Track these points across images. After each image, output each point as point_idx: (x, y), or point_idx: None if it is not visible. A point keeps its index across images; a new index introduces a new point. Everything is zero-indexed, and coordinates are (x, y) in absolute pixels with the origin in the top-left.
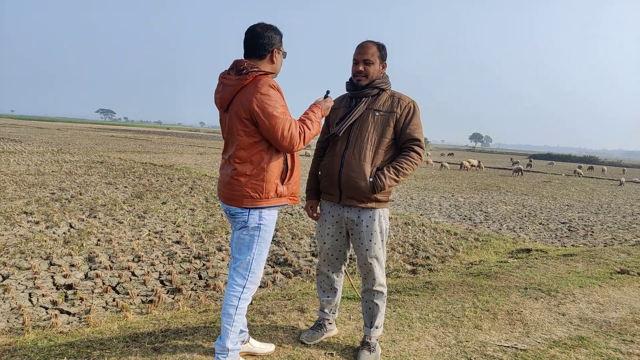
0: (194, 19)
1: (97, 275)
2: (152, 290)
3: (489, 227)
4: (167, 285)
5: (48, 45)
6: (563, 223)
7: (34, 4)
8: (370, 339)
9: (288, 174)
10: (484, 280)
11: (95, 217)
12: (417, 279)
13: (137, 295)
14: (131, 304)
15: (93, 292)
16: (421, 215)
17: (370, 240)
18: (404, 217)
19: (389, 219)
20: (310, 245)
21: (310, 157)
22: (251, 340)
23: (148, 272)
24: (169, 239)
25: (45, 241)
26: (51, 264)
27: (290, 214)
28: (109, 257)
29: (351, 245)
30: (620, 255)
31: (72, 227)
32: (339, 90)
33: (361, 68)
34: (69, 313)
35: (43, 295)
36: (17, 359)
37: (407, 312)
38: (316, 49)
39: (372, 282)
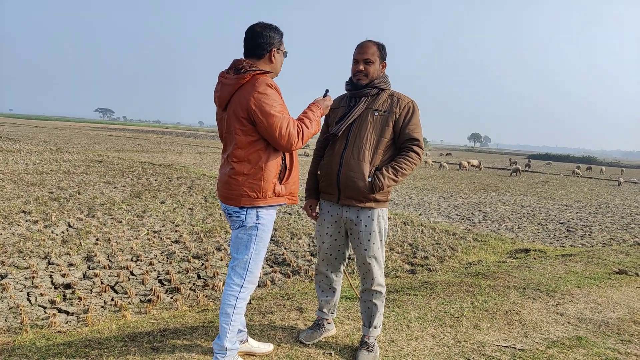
0: (193, 19)
1: (96, 275)
2: (151, 290)
3: (487, 227)
4: (165, 285)
5: (47, 45)
6: (561, 223)
7: (33, 4)
8: (368, 339)
9: (286, 174)
10: (482, 280)
11: (93, 216)
12: (416, 279)
13: (136, 294)
14: (130, 303)
15: (91, 291)
16: (420, 215)
17: (369, 240)
18: (403, 217)
19: (388, 219)
20: (309, 244)
21: (309, 156)
22: (250, 339)
23: (146, 271)
24: (167, 238)
25: (44, 240)
26: (49, 263)
27: (289, 214)
28: (108, 257)
29: (350, 245)
30: (619, 256)
31: (71, 227)
32: (339, 89)
33: (361, 67)
34: (67, 312)
35: (41, 295)
36: (15, 358)
37: (405, 312)
38: (316, 49)
39: (370, 281)
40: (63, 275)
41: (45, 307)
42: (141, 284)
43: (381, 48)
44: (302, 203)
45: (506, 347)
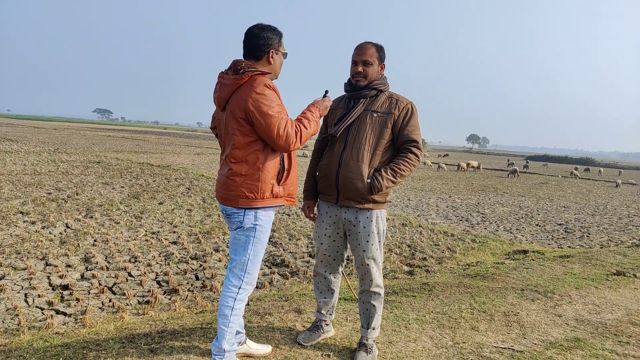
0: (192, 19)
1: (94, 276)
2: (149, 291)
3: (485, 229)
4: (163, 286)
5: (45, 45)
6: (559, 224)
7: (31, 4)
8: (367, 340)
9: (285, 175)
10: (480, 282)
11: (91, 217)
12: (414, 280)
13: (134, 295)
14: (127, 304)
15: (89, 292)
16: (418, 216)
17: (368, 241)
18: (401, 218)
19: (387, 220)
20: (308, 246)
21: (307, 157)
22: (248, 341)
23: (144, 272)
24: (165, 239)
25: (42, 241)
26: (47, 265)
27: (288, 215)
28: (106, 258)
29: (348, 246)
30: (617, 257)
31: (69, 228)
32: (338, 90)
33: (360, 69)
34: (65, 314)
35: (39, 296)
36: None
37: (404, 313)
38: (316, 49)
39: (369, 283)
40: (61, 277)
41: (42, 309)
42: (139, 285)
43: (380, 49)
44: (301, 204)
45: (504, 348)
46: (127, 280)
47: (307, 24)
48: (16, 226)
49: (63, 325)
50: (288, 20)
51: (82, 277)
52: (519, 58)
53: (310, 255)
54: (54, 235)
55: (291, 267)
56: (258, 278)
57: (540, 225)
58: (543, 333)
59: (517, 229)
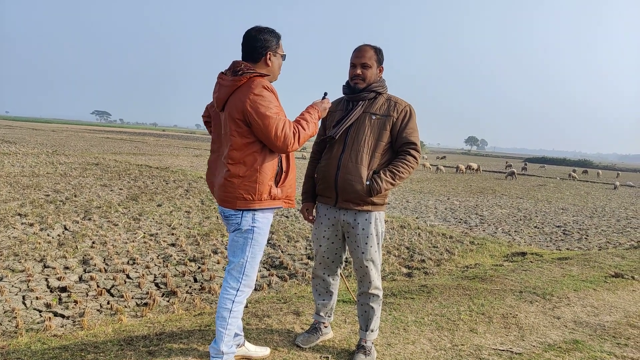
0: (191, 21)
1: (92, 278)
2: (147, 293)
3: (484, 231)
4: (162, 288)
5: (44, 47)
6: (558, 226)
7: (30, 5)
8: (365, 343)
9: (283, 176)
10: (479, 284)
11: (90, 219)
12: (413, 282)
13: (132, 298)
14: (126, 306)
15: (87, 294)
16: (417, 218)
17: (367, 243)
18: (400, 220)
19: (385, 222)
20: (306, 248)
21: (306, 159)
22: (246, 343)
23: (143, 274)
24: (164, 241)
25: (40, 243)
26: (45, 267)
27: (286, 217)
28: (104, 260)
29: (347, 248)
30: (615, 259)
31: (67, 229)
32: (338, 90)
33: (359, 71)
34: (63, 316)
35: (37, 298)
36: None
37: (402, 315)
38: (316, 49)
39: (368, 285)
40: (59, 279)
41: (40, 311)
42: (137, 288)
43: (378, 52)
44: (299, 206)
45: (503, 350)
46: (125, 282)
47: (307, 25)
48: (14, 228)
49: (61, 327)
50: (288, 21)
51: (80, 279)
52: (518, 60)
53: (308, 258)
54: (52, 237)
55: (290, 269)
56: (256, 280)
57: (538, 227)
58: (541, 335)
59: (515, 231)
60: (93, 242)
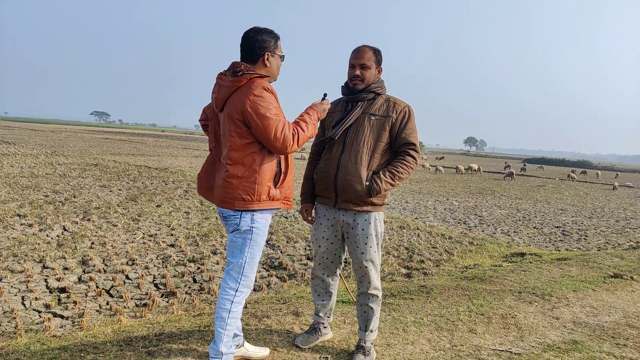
0: (190, 22)
1: (91, 279)
2: (146, 294)
3: (483, 231)
4: (161, 289)
5: (43, 47)
6: (557, 227)
7: (28, 6)
8: (365, 343)
9: (281, 177)
10: (478, 284)
11: (89, 220)
12: (412, 283)
13: (131, 298)
14: (125, 307)
15: (87, 295)
16: (416, 218)
17: (366, 244)
18: (399, 220)
19: (384, 223)
20: (305, 248)
21: (305, 160)
22: (246, 344)
23: (142, 275)
24: (163, 242)
25: (39, 244)
26: (44, 267)
27: (285, 217)
28: (103, 260)
29: (346, 248)
30: (614, 260)
31: (66, 230)
32: (335, 91)
33: (358, 72)
34: (62, 317)
35: (36, 299)
36: None
37: (401, 315)
38: (315, 51)
39: (367, 285)
40: (58, 279)
41: (40, 312)
42: (137, 288)
43: (377, 53)
44: (298, 207)
45: (502, 351)
46: (124, 283)
47: (307, 25)
48: (13, 229)
49: (60, 328)
50: (288, 21)
51: (80, 279)
52: (517, 61)
53: (308, 258)
54: (51, 238)
55: (289, 269)
56: (256, 280)
57: (537, 228)
58: (540, 335)
59: (514, 232)
60: (92, 243)
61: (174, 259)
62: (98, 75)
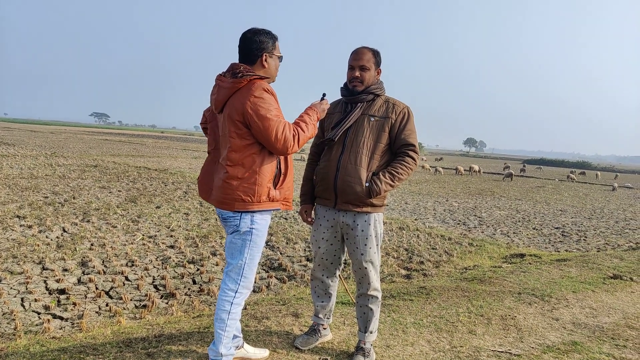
0: (189, 23)
1: (90, 280)
2: (146, 295)
3: (483, 232)
4: (160, 290)
5: (42, 48)
6: (556, 228)
7: (27, 6)
8: (364, 344)
9: (281, 179)
10: (478, 285)
11: (88, 221)
12: (412, 284)
13: (131, 300)
14: (124, 308)
15: (86, 296)
16: (415, 220)
17: (366, 245)
18: (399, 221)
19: (384, 224)
20: (305, 250)
21: (305, 161)
22: (245, 345)
23: (142, 276)
24: (162, 243)
25: (38, 245)
26: (44, 269)
27: (285, 219)
28: (103, 262)
29: (346, 249)
30: (613, 261)
31: (65, 231)
32: (335, 91)
33: (357, 74)
34: (61, 318)
35: (35, 300)
36: None
37: (401, 317)
38: (314, 51)
39: (367, 286)
40: (57, 281)
41: (39, 313)
42: (136, 290)
43: (376, 54)
44: (297, 208)
45: (502, 352)
46: (124, 284)
47: (304, 26)
48: (13, 230)
49: (60, 329)
50: (287, 21)
51: (79, 281)
52: (517, 61)
53: (307, 259)
54: (51, 239)
55: (288, 271)
56: (255, 282)
57: (537, 229)
58: (540, 337)
59: (514, 233)
60: (92, 244)
61: (173, 261)
62: (97, 77)
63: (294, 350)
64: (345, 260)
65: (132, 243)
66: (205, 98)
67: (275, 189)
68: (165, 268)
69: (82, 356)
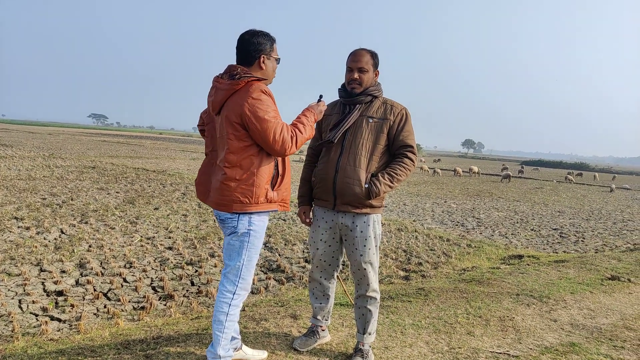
0: (188, 23)
1: (88, 282)
2: (144, 297)
3: (481, 234)
4: (158, 292)
5: (40, 49)
6: (554, 229)
7: (26, 7)
8: (363, 346)
9: (279, 180)
10: (476, 287)
11: (86, 222)
12: (410, 285)
13: (129, 301)
14: (122, 310)
15: (84, 298)
16: (414, 221)
17: (365, 246)
18: (397, 223)
19: (382, 225)
20: (303, 251)
21: (303, 162)
22: (244, 347)
23: (140, 278)
24: (161, 245)
25: (36, 247)
26: (42, 270)
27: (283, 220)
28: (100, 263)
29: (344, 251)
30: (611, 262)
31: (63, 233)
32: (333, 92)
33: (356, 76)
34: (59, 320)
35: (33, 302)
36: None
37: (399, 318)
38: (314, 52)
39: (365, 287)
40: (55, 282)
41: (37, 315)
42: (134, 291)
43: (374, 56)
44: (296, 209)
45: (500, 353)
46: (122, 286)
47: (301, 28)
48: (10, 232)
49: (57, 331)
50: (286, 22)
51: (77, 282)
52: (515, 64)
53: (306, 261)
54: (49, 241)
55: (287, 272)
56: (253, 283)
57: (535, 230)
58: (538, 338)
59: (512, 234)
60: (90, 246)
61: (171, 262)
62: (96, 78)
63: (293, 352)
64: (343, 261)
65: (130, 244)
66: (203, 99)
67: (273, 190)
68: (164, 269)
69: (80, 358)
